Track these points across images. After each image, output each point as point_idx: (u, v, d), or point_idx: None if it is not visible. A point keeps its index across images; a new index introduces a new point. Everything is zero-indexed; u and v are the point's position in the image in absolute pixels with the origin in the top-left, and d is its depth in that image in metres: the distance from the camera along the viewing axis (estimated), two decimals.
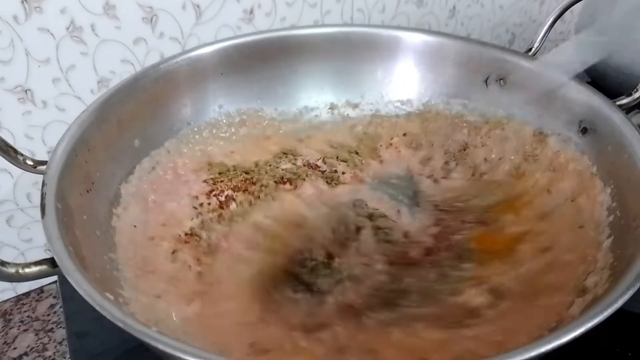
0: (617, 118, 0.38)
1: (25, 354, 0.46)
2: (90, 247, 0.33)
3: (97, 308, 0.25)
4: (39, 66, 0.44)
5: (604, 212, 0.36)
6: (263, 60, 0.49)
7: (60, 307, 0.48)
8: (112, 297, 0.30)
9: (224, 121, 0.49)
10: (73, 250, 0.29)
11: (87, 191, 0.36)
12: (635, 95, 0.39)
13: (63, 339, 0.47)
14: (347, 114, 0.52)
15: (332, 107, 0.52)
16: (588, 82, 0.43)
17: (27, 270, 0.29)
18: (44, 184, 0.32)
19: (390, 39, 0.50)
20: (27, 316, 0.49)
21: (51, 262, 0.29)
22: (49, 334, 0.47)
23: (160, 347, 0.23)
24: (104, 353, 0.40)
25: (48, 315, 0.49)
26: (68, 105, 0.47)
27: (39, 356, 0.46)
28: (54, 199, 0.31)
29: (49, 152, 0.47)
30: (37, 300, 0.50)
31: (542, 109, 0.45)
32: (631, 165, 0.35)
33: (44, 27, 0.44)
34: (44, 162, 0.35)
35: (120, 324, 0.24)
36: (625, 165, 0.36)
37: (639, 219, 0.33)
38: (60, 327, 0.48)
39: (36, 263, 0.29)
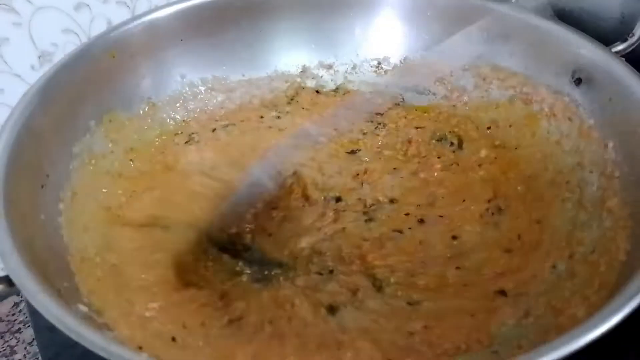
0: (616, 66, 0.35)
1: None
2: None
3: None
4: None
5: (608, 168, 0.34)
6: (224, 21, 0.46)
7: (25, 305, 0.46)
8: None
9: (188, 92, 0.46)
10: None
11: (42, 187, 0.33)
12: (632, 40, 0.36)
13: (33, 339, 0.44)
14: (321, 76, 0.49)
15: (304, 69, 0.49)
16: None
17: None
18: None
19: None
20: None
21: None
22: (17, 334, 0.45)
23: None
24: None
25: (13, 315, 0.47)
26: (6, 84, 0.44)
27: None
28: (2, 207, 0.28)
29: None
30: None
31: (529, 59, 0.43)
32: (637, 116, 0.33)
33: None
34: None
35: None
36: (629, 116, 0.34)
37: None
38: (28, 326, 0.45)
39: None
